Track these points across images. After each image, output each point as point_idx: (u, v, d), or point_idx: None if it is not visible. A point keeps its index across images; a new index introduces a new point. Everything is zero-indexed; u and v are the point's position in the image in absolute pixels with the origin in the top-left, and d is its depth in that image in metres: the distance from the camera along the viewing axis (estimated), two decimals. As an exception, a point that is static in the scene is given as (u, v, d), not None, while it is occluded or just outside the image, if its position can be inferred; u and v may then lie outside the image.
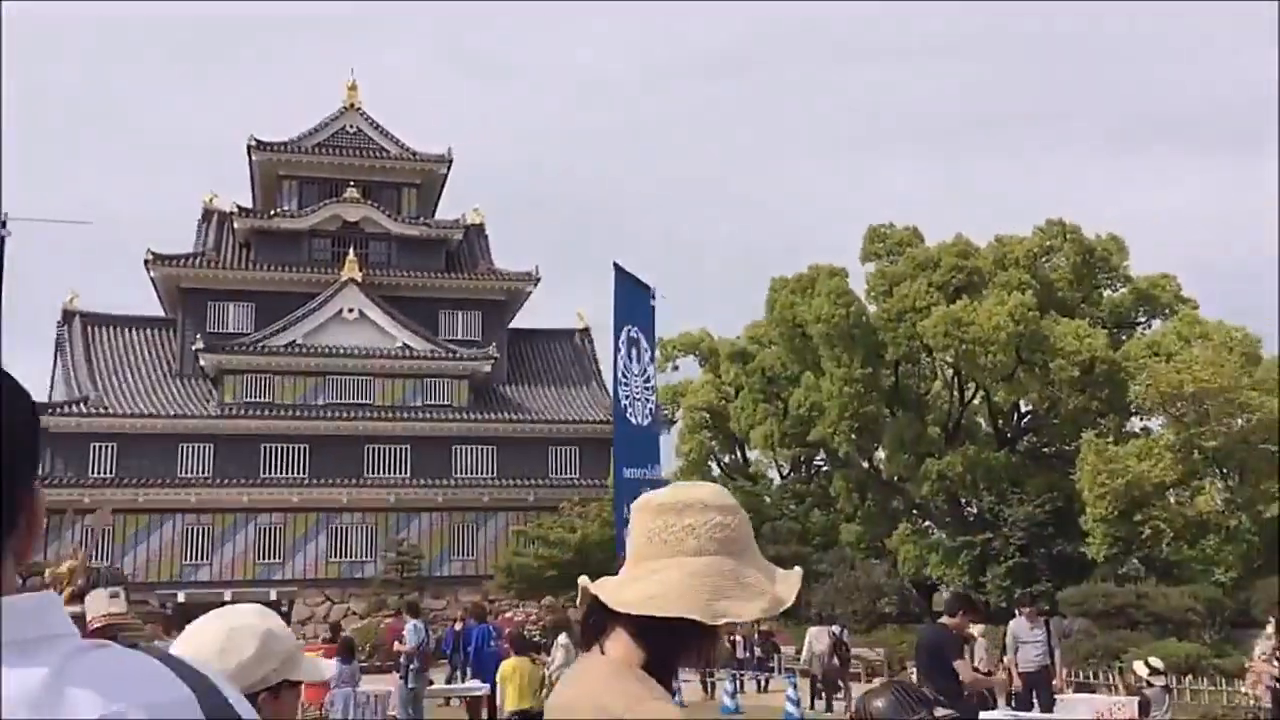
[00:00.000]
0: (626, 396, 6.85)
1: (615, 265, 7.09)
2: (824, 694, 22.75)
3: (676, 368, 53.72)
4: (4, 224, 5.27)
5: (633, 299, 7.11)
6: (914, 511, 40.97)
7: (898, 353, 37.58)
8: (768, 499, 46.44)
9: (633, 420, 6.82)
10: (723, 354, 48.11)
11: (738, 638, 26.69)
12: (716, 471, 54.51)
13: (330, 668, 16.02)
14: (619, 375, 6.90)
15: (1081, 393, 35.37)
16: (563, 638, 12.99)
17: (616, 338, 7.01)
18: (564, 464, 48.36)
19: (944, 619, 9.66)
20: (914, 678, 10.23)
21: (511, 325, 54.31)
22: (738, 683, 22.93)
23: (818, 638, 22.81)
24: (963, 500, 38.65)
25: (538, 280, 52.87)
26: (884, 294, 38.01)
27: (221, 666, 1.98)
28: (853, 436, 38.16)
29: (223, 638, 2.19)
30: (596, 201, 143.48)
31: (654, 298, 7.26)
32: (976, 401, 40.41)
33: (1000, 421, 39.99)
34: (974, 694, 9.06)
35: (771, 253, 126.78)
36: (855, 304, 37.80)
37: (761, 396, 44.57)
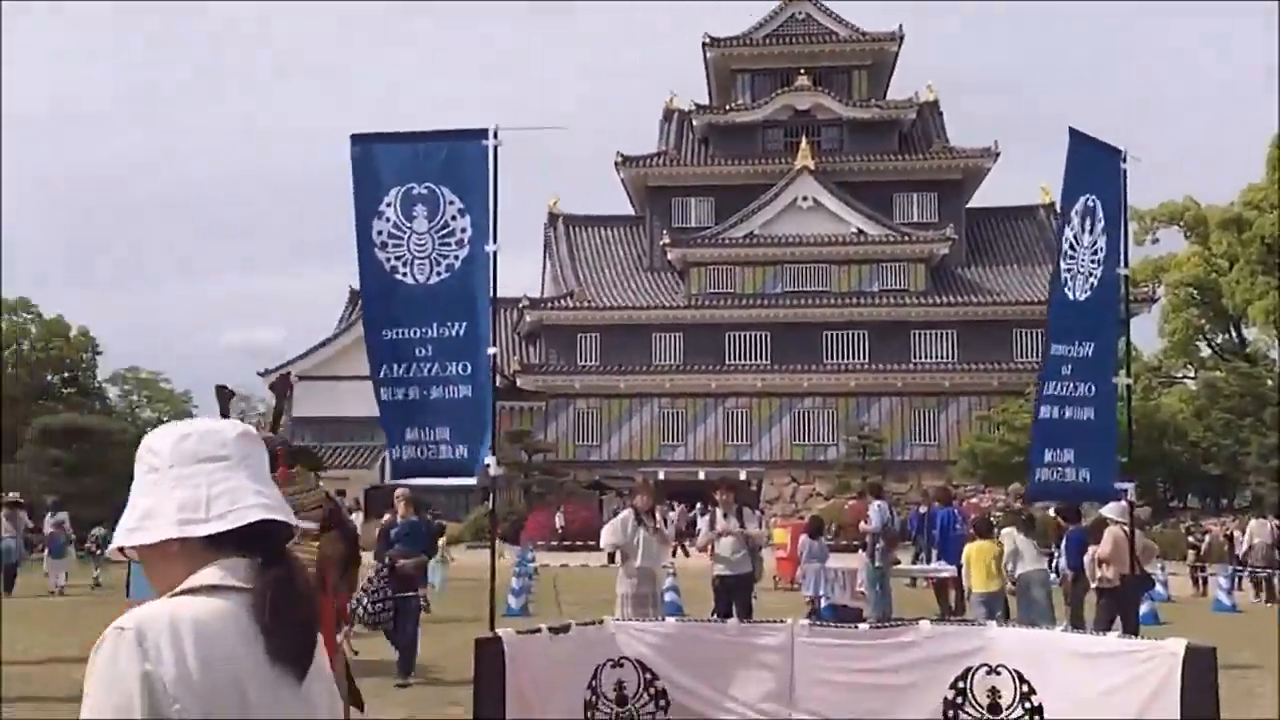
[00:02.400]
0: (1068, 270, 6.34)
1: (1071, 130, 6.50)
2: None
3: (1156, 240, 49.20)
4: (495, 134, 5.73)
5: (1092, 165, 6.50)
6: None
7: None
8: (1269, 382, 41.57)
9: (1070, 295, 6.30)
10: (1212, 222, 43.29)
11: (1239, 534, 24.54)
12: (1206, 352, 49.63)
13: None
14: (1064, 248, 6.37)
15: None
16: (1007, 530, 12.56)
17: (1067, 208, 6.45)
18: (1028, 346, 46.10)
19: None
20: None
21: (969, 205, 52.24)
22: (1234, 581, 21.08)
23: (1259, 530, 21.16)
24: None
25: (997, 155, 50.32)
26: None
27: None
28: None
29: None
30: (1056, 69, 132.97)
31: (1124, 160, 6.56)
32: None
33: None
34: None
35: (1262, 106, 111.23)
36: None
37: (1261, 268, 39.74)
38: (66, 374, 60.28)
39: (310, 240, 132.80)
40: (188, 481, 1.76)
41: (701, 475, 45.41)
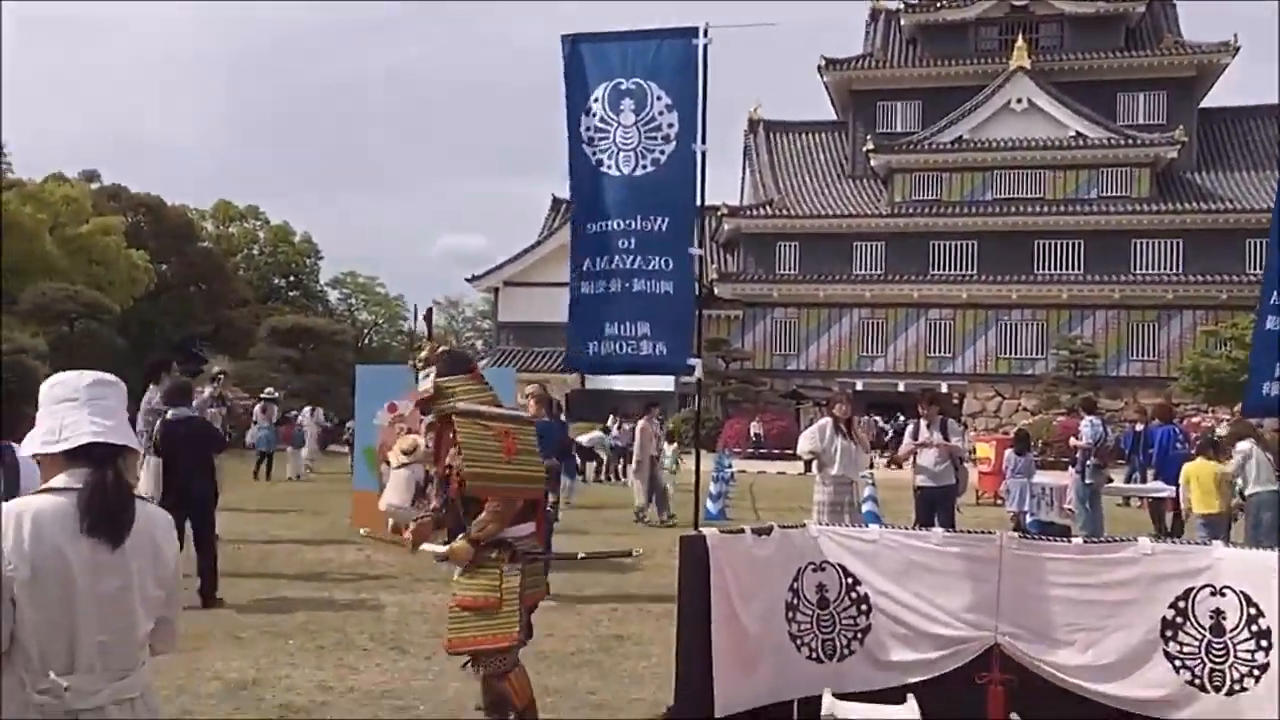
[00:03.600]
0: None
1: None
2: None
3: None
4: (705, 32, 5.65)
5: None
6: None
7: None
8: None
9: None
10: None
11: None
12: None
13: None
14: None
15: None
16: (1244, 444, 11.63)
17: None
18: (1263, 258, 42.87)
19: None
20: None
21: (1202, 105, 48.56)
22: None
23: None
24: None
25: (1236, 50, 46.42)
26: None
27: None
28: None
29: None
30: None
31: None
32: None
33: None
34: None
35: None
36: None
37: None
38: (291, 278, 64.02)
39: (517, 150, 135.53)
40: (51, 416, 2.65)
41: (901, 387, 44.65)
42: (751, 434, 38.94)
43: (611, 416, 30.88)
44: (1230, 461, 11.64)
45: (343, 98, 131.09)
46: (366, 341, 68.17)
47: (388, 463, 10.57)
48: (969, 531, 6.05)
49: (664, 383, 44.35)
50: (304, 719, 6.06)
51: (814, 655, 5.80)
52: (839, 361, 47.20)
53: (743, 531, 5.71)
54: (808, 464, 26.32)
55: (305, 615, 8.93)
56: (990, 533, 5.64)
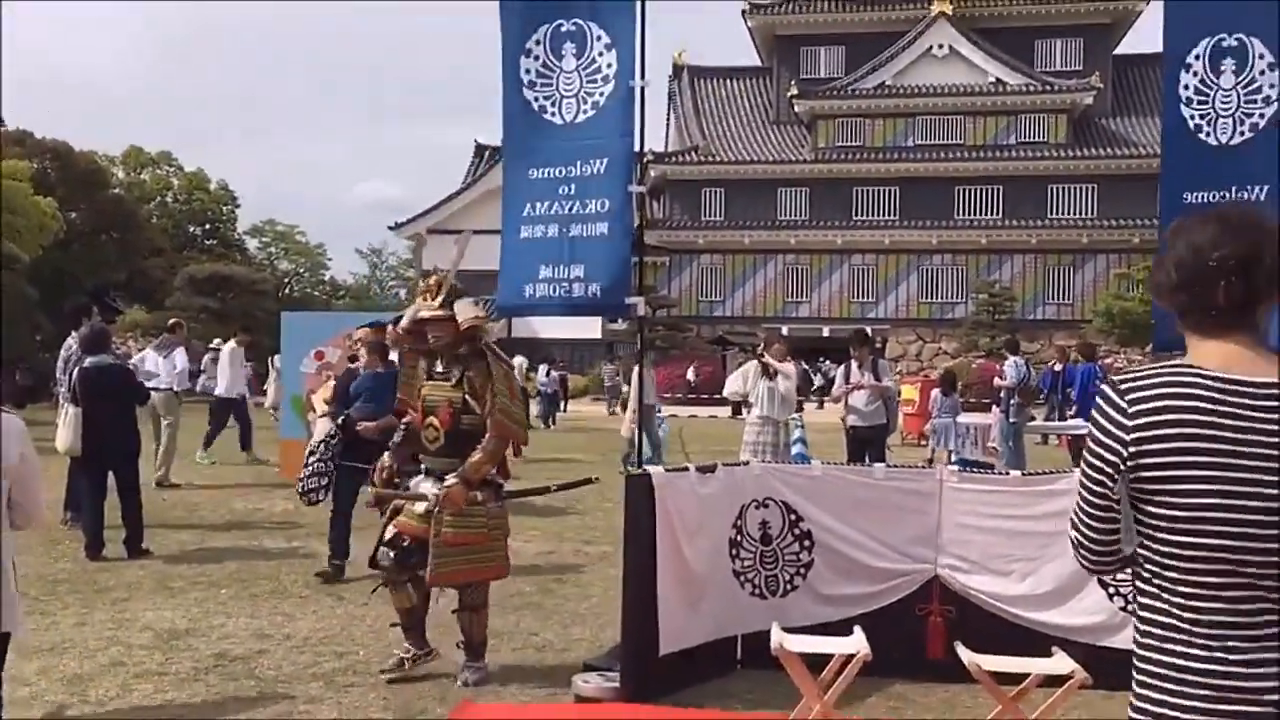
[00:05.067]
0: (1203, 115, 5.83)
1: None
2: None
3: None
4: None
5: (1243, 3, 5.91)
6: None
7: None
8: None
9: (1208, 140, 5.81)
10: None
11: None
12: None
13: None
14: (1187, 94, 5.84)
15: None
16: None
17: (1186, 51, 5.91)
18: (1176, 203, 43.92)
19: None
20: None
21: (1117, 51, 49.34)
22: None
23: None
24: None
25: (1151, -3, 47.18)
26: None
27: None
28: None
29: None
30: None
31: None
32: None
33: None
34: None
35: None
36: None
37: None
38: (208, 225, 62.41)
39: (436, 93, 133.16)
40: None
41: (825, 332, 45.12)
42: (688, 379, 39.18)
43: (544, 366, 30.85)
44: None
45: (260, 42, 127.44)
46: (288, 290, 66.90)
47: (314, 410, 10.37)
48: (908, 465, 6.12)
49: (591, 330, 44.33)
50: (241, 667, 5.97)
51: (758, 591, 5.86)
52: (764, 307, 47.52)
53: (687, 469, 5.72)
54: (736, 408, 26.78)
55: (237, 564, 8.78)
56: (930, 465, 5.72)
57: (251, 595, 7.72)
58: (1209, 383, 1.92)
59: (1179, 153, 6.22)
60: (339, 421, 8.33)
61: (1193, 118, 5.99)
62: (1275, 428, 1.89)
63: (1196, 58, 6.00)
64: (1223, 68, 5.78)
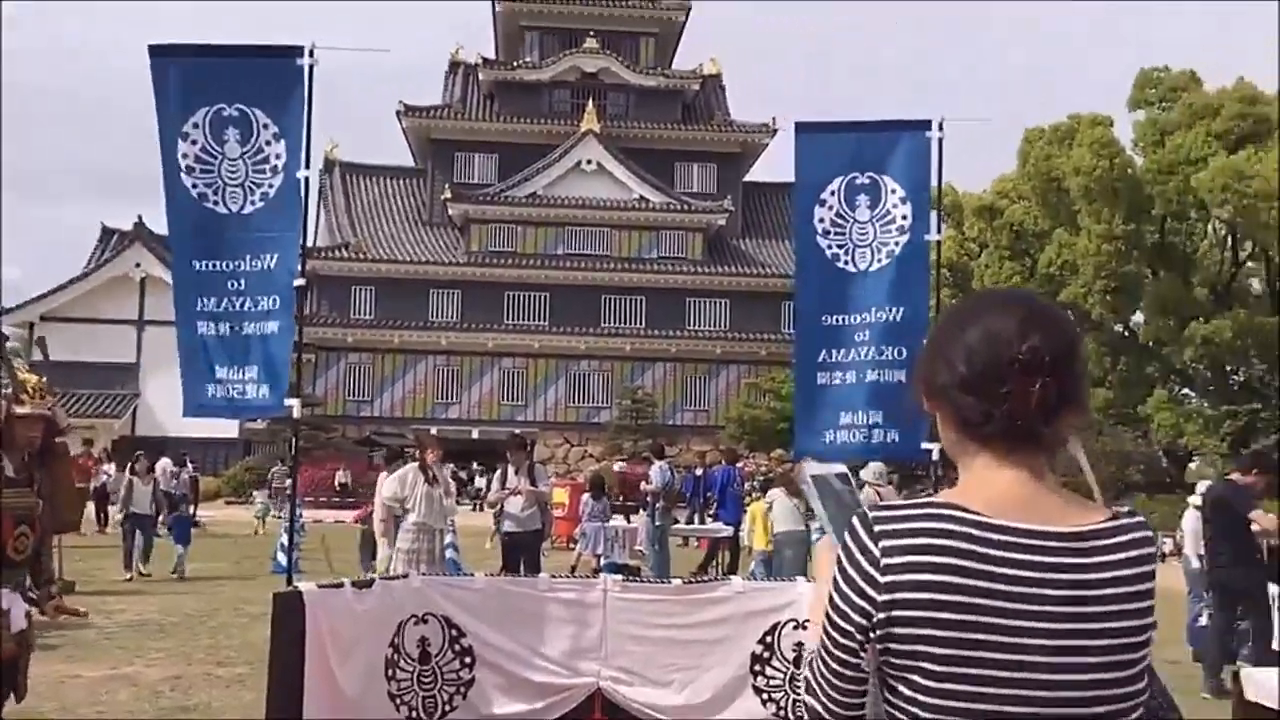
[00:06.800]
0: (840, 245, 6.39)
1: (798, 124, 6.62)
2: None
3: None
4: (311, 53, 5.35)
5: (853, 145, 6.58)
6: (1171, 378, 38.62)
7: (1165, 209, 34.88)
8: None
9: (847, 268, 6.38)
10: (967, 208, 45.96)
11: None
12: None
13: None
14: (823, 226, 6.40)
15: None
16: (773, 491, 13.05)
17: (821, 186, 6.48)
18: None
19: (1234, 475, 9.07)
20: (1201, 544, 9.65)
21: (747, 179, 53.60)
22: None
23: None
24: (1228, 368, 36.11)
25: (775, 132, 51.69)
26: (1154, 144, 35.13)
27: None
28: (1107, 297, 36.00)
29: None
30: (837, 49, 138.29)
31: (939, 130, 6.64)
32: (1251, 264, 37.29)
33: (1279, 285, 36.79)
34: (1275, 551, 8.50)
35: (1022, 101, 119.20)
36: (1120, 155, 35.16)
37: (1008, 254, 42.47)
38: None
39: (56, 171, 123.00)
40: None
41: (475, 434, 45.03)
42: (336, 482, 37.54)
43: (165, 461, 28.46)
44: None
45: None
46: None
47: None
48: (573, 576, 6.07)
49: (227, 429, 41.71)
50: None
51: (414, 714, 5.53)
52: (414, 408, 46.82)
53: (342, 585, 5.35)
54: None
55: None
56: (595, 576, 5.69)
57: None
58: (984, 535, 1.44)
59: (816, 279, 6.61)
60: None
61: (830, 247, 6.42)
62: (1066, 594, 1.42)
63: (832, 193, 6.44)
64: (857, 202, 6.26)
